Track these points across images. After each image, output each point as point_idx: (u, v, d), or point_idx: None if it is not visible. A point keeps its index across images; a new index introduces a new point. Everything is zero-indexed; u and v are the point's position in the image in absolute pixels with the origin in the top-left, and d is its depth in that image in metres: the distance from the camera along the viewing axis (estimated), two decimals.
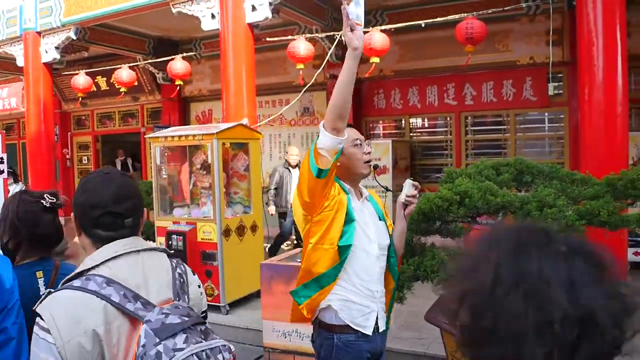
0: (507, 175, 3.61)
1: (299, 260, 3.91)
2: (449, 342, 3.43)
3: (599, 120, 5.05)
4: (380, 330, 2.53)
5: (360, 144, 2.50)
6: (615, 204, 3.15)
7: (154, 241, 6.37)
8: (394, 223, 2.70)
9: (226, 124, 6.38)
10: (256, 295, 5.85)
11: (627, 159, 5.36)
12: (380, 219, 2.61)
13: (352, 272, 2.46)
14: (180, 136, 6.02)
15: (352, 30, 2.19)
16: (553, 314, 0.81)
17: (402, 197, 2.58)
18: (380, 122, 9.94)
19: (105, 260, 1.43)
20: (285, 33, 8.80)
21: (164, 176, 6.54)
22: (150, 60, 10.21)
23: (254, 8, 6.93)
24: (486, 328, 0.84)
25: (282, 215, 7.70)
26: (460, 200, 3.27)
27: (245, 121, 6.42)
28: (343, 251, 2.43)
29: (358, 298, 2.47)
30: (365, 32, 6.83)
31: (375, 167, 2.56)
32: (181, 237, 5.77)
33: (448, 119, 9.31)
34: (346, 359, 2.51)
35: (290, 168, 7.62)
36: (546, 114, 8.87)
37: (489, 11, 6.58)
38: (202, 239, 5.83)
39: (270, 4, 6.89)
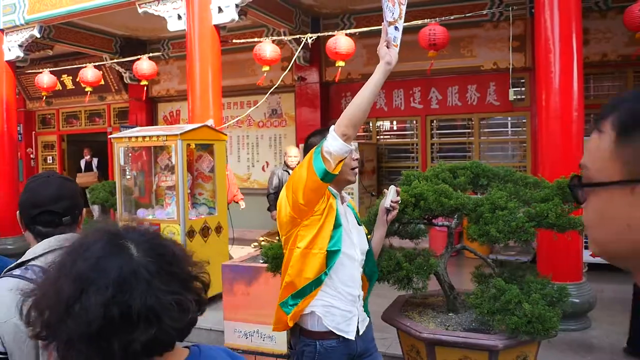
0: (463, 178, 3.69)
1: (262, 261, 3.94)
2: (404, 341, 3.50)
3: (556, 125, 5.20)
4: (361, 333, 2.55)
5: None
6: (564, 206, 3.25)
7: None
8: (367, 228, 2.75)
9: (191, 125, 6.37)
10: (220, 296, 5.85)
11: None
12: (358, 224, 2.65)
13: (336, 278, 2.47)
14: (144, 137, 6.00)
15: (387, 47, 2.33)
16: (94, 310, 0.91)
17: (386, 203, 2.58)
18: None
19: (44, 253, 1.64)
20: (253, 35, 8.83)
21: (128, 177, 6.49)
22: (116, 60, 10.10)
23: (220, 10, 6.93)
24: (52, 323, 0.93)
25: None
26: (416, 202, 3.34)
27: (210, 122, 6.42)
28: (331, 256, 2.43)
29: (342, 304, 2.49)
30: (331, 36, 6.93)
31: (360, 172, 2.59)
32: None
33: (414, 122, 9.44)
34: None
35: (289, 170, 7.24)
36: (509, 118, 9.07)
37: (452, 17, 6.71)
38: None
39: (237, 6, 6.90)
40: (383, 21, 2.37)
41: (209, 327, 5.45)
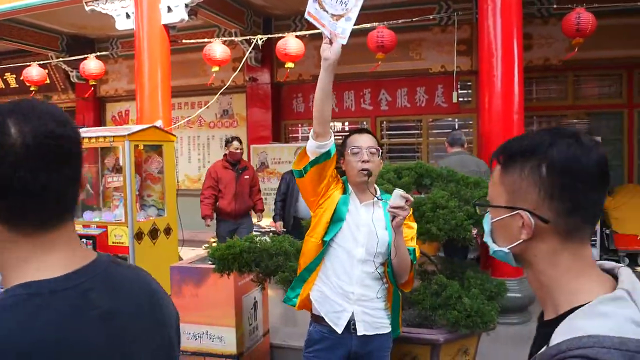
0: (407, 178, 3.79)
1: (210, 262, 3.95)
2: None
3: (498, 127, 5.39)
4: (359, 334, 2.57)
5: (358, 152, 2.58)
6: None
7: None
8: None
9: (139, 125, 6.29)
10: None
11: None
12: (386, 228, 2.62)
13: (330, 268, 2.59)
14: (90, 138, 5.88)
15: (330, 42, 2.33)
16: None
17: (388, 208, 2.57)
18: (299, 125, 10.08)
19: None
20: (205, 35, 8.77)
21: None
22: (63, 59, 9.85)
23: (169, 9, 6.87)
24: None
25: (295, 228, 6.17)
26: None
27: (159, 123, 6.36)
28: (325, 246, 2.60)
29: (332, 294, 2.58)
30: (281, 38, 6.97)
31: (368, 175, 2.57)
32: (91, 241, 5.63)
33: (364, 123, 9.57)
34: (318, 347, 2.64)
35: None
36: (456, 120, 9.32)
37: (399, 21, 6.85)
38: (113, 242, 5.72)
39: (187, 5, 6.86)
40: (321, 19, 2.33)
41: None
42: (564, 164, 0.97)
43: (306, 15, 2.39)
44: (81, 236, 5.68)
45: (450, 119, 9.38)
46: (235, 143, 6.77)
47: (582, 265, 1.02)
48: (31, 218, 0.93)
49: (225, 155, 6.91)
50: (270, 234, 7.24)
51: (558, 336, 0.94)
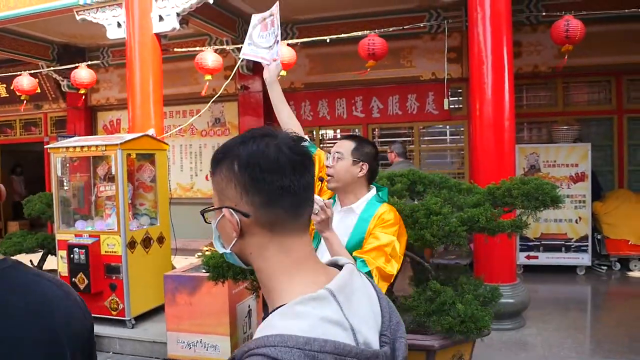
0: (400, 185, 3.82)
1: (203, 270, 3.94)
2: None
3: (489, 133, 5.42)
4: None
5: (328, 157, 2.61)
6: (494, 210, 3.42)
7: (55, 255, 6.15)
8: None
9: (131, 134, 6.28)
10: (162, 307, 5.78)
11: (515, 169, 5.78)
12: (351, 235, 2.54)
13: None
14: (82, 147, 5.87)
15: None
16: None
17: None
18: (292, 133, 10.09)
19: None
20: (196, 43, 8.79)
21: (66, 188, 6.34)
22: (53, 68, 9.82)
23: (161, 18, 6.88)
24: None
25: None
26: None
27: (151, 132, 6.36)
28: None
29: None
30: None
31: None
32: (83, 251, 5.61)
33: (356, 130, 9.60)
34: None
35: None
36: (448, 127, 9.37)
37: (390, 29, 6.89)
38: (106, 251, 5.69)
39: (178, 14, 6.87)
40: (259, 54, 2.84)
41: (152, 340, 5.37)
42: (250, 158, 1.02)
43: (241, 55, 2.89)
44: (73, 245, 5.67)
45: (441, 125, 9.44)
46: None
47: (293, 260, 1.05)
48: None
49: None
50: None
51: (256, 334, 0.95)
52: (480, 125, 5.50)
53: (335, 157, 2.55)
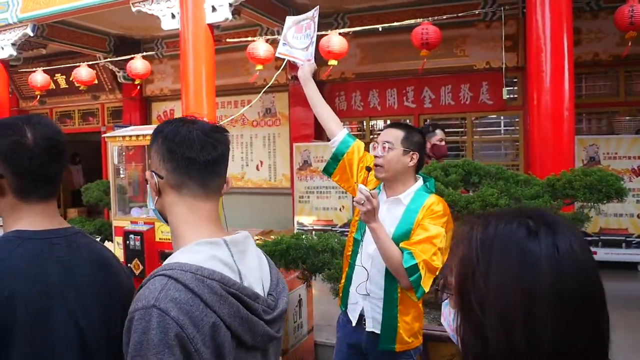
0: (454, 176, 3.73)
1: None
2: None
3: (547, 124, 5.24)
4: (367, 329, 2.52)
5: (375, 146, 2.55)
6: (553, 203, 3.30)
7: (111, 241, 6.33)
8: None
9: None
10: None
11: (574, 161, 5.57)
12: (398, 226, 2.50)
13: (353, 264, 2.62)
14: (137, 136, 6.01)
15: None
16: None
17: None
18: (342, 123, 10.05)
19: None
20: (248, 34, 8.83)
21: (122, 175, 6.51)
22: (110, 59, 10.09)
23: (214, 9, 6.94)
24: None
25: None
26: None
27: None
28: (355, 244, 2.63)
29: (351, 287, 2.61)
30: (324, 35, 6.95)
31: (368, 169, 2.60)
32: (139, 237, 5.76)
33: (408, 121, 9.47)
34: (339, 335, 2.74)
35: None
36: (502, 117, 9.13)
37: (444, 17, 6.74)
38: (160, 238, 5.82)
39: (231, 5, 6.91)
40: (294, 54, 2.93)
41: None
42: (169, 134, 1.32)
43: (277, 54, 3.01)
44: (129, 232, 5.81)
45: (494, 116, 9.20)
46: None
47: (198, 217, 1.33)
48: (35, 194, 1.40)
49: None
50: (314, 232, 7.26)
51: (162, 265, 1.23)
52: (538, 116, 5.32)
53: (386, 147, 2.49)
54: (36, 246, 1.35)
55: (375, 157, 2.52)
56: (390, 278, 2.45)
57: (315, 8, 2.97)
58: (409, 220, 2.45)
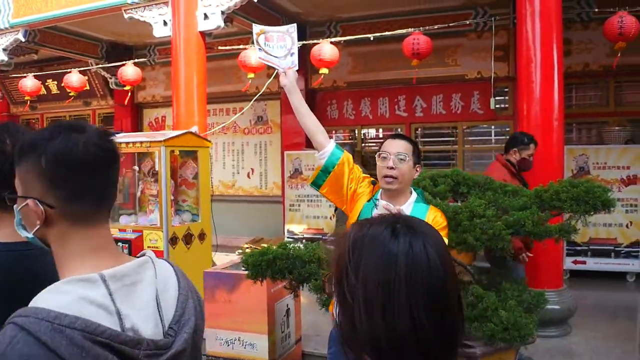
0: (443, 186, 3.73)
1: (243, 268, 3.95)
2: None
3: (536, 134, 5.24)
4: None
5: (386, 157, 2.56)
6: (541, 214, 3.30)
7: None
8: None
9: (175, 131, 6.36)
10: None
11: (563, 171, 5.59)
12: None
13: None
14: (127, 143, 5.97)
15: (285, 73, 2.77)
16: None
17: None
18: (333, 132, 10.05)
19: None
20: (239, 42, 8.83)
21: None
22: (102, 65, 10.07)
23: (206, 16, 6.94)
24: None
25: None
26: None
27: (194, 129, 6.42)
28: None
29: None
30: (316, 44, 6.97)
31: (373, 183, 2.61)
32: (127, 245, 5.71)
33: (399, 130, 9.49)
34: (333, 350, 2.72)
35: None
36: (493, 127, 9.16)
37: (435, 27, 6.77)
38: (148, 246, 5.78)
39: (223, 13, 6.92)
40: (271, 60, 2.86)
41: None
42: (57, 156, 1.08)
43: (258, 59, 2.96)
44: (117, 240, 5.77)
45: (485, 125, 9.23)
46: (532, 147, 4.92)
47: (90, 247, 1.13)
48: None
49: (508, 159, 5.02)
50: (304, 240, 7.24)
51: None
52: (528, 126, 5.33)
53: (399, 159, 2.54)
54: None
55: (389, 168, 2.54)
56: None
57: (292, 25, 2.91)
58: None
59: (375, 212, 2.35)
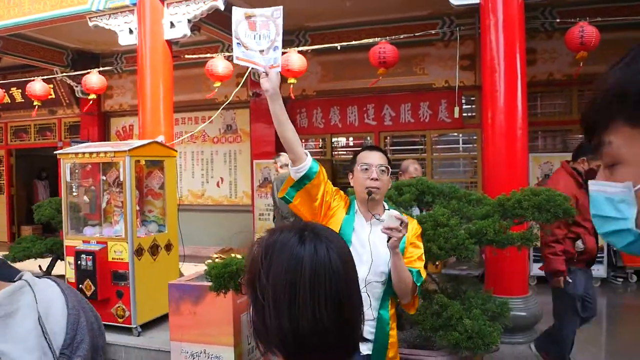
0: (408, 195, 3.73)
1: (208, 280, 3.89)
2: None
3: (501, 142, 5.32)
4: (363, 353, 2.49)
5: (368, 169, 2.56)
6: (503, 222, 3.32)
7: (62, 260, 6.15)
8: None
9: (140, 141, 6.27)
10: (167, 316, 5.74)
11: (527, 179, 5.67)
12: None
13: None
14: (91, 153, 5.86)
15: (267, 73, 2.41)
16: None
17: (382, 229, 2.49)
18: (303, 141, 10.03)
19: None
20: (209, 50, 8.77)
21: (74, 193, 6.33)
22: (67, 73, 9.88)
23: (172, 25, 6.88)
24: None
25: None
26: None
27: (160, 138, 6.34)
28: None
29: None
30: (283, 53, 6.94)
31: (369, 194, 2.56)
32: (90, 257, 5.59)
33: (368, 138, 9.53)
34: None
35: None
36: (461, 135, 9.26)
37: (402, 36, 6.82)
38: (113, 258, 5.67)
39: (189, 21, 6.86)
40: (252, 58, 2.49)
41: (157, 348, 5.32)
42: None
43: (235, 60, 2.53)
44: (80, 252, 5.66)
45: (455, 134, 9.33)
46: None
47: None
48: None
49: (574, 168, 4.40)
50: None
51: None
52: (492, 134, 5.40)
53: (381, 170, 2.58)
54: None
55: (373, 179, 2.55)
56: (385, 300, 2.57)
57: (277, 8, 2.49)
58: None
59: (388, 223, 2.32)
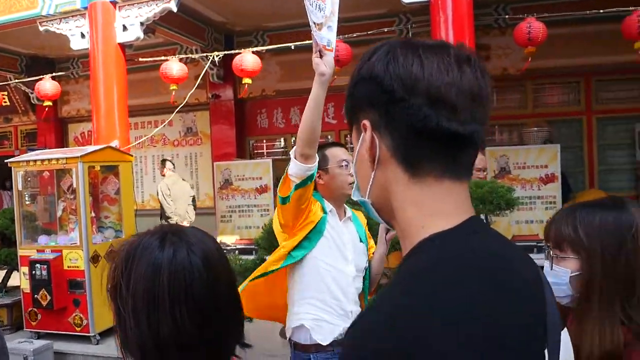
0: None
1: None
2: None
3: None
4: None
5: (346, 165, 2.51)
6: None
7: (17, 271, 6.03)
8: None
9: (93, 146, 6.19)
10: None
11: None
12: (361, 241, 2.65)
13: (327, 291, 2.48)
14: (43, 160, 5.76)
15: (321, 55, 2.18)
16: None
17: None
18: (264, 141, 10.05)
19: None
20: (167, 52, 8.70)
21: (27, 202, 6.21)
22: (20, 80, 9.68)
23: (125, 28, 6.80)
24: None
25: None
26: None
27: (115, 143, 6.26)
28: (289, 259, 2.51)
29: (331, 317, 2.49)
30: (237, 54, 6.92)
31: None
32: (45, 266, 5.49)
33: (329, 137, 9.56)
34: None
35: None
36: None
37: (355, 35, 6.87)
38: (68, 266, 5.58)
39: (142, 24, 6.80)
40: (311, 30, 2.20)
41: (116, 356, 5.24)
42: None
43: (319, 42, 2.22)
44: (35, 261, 5.55)
45: None
46: None
47: None
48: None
49: None
50: (236, 252, 7.16)
51: None
52: None
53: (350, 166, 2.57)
54: None
55: (351, 175, 2.42)
56: (366, 293, 2.66)
57: None
58: (363, 232, 2.69)
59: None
